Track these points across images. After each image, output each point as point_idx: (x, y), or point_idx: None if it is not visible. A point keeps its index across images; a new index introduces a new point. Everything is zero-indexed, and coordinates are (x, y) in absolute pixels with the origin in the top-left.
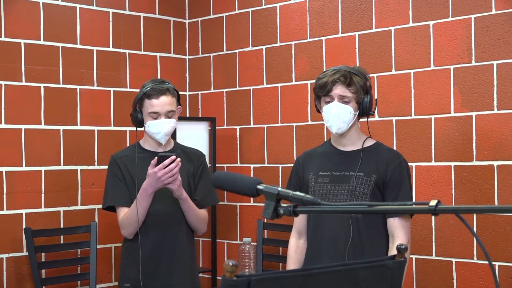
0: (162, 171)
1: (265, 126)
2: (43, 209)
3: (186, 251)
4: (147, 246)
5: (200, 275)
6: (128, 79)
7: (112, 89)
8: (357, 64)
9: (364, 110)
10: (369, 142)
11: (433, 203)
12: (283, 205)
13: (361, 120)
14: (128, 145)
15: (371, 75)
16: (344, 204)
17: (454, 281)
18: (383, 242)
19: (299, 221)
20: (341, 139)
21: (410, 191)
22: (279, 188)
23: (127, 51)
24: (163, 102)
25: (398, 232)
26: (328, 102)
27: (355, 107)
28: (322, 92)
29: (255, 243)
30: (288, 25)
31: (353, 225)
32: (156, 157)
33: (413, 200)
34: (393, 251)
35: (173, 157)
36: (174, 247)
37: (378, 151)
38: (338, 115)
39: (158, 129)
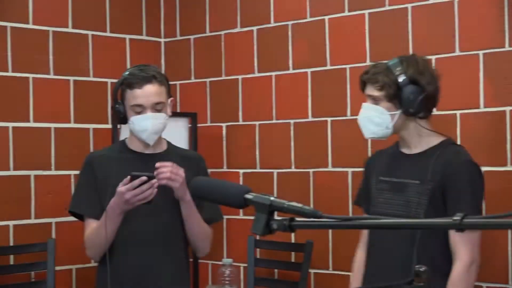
0: (130, 193)
1: (257, 123)
2: None
3: (176, 279)
4: (124, 270)
5: None
6: (91, 66)
7: (71, 78)
8: (367, 49)
9: (406, 107)
10: (435, 142)
11: (458, 216)
12: (277, 218)
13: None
14: (91, 145)
15: (383, 62)
16: (349, 218)
17: None
18: (444, 260)
19: (366, 231)
20: (402, 140)
21: (473, 199)
22: (272, 198)
23: (89, 33)
24: (148, 92)
25: (460, 249)
26: None
27: (390, 106)
28: (363, 91)
29: (242, 264)
30: (284, 1)
31: (410, 238)
32: (128, 176)
33: (481, 210)
34: (454, 272)
35: (145, 178)
36: (159, 274)
37: (441, 152)
38: (366, 118)
39: (143, 125)
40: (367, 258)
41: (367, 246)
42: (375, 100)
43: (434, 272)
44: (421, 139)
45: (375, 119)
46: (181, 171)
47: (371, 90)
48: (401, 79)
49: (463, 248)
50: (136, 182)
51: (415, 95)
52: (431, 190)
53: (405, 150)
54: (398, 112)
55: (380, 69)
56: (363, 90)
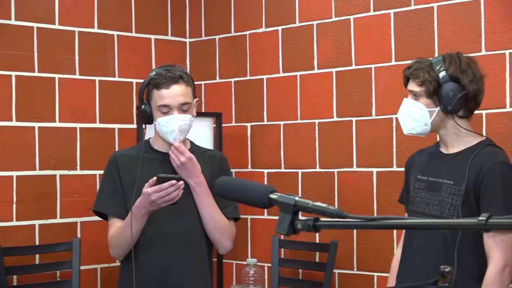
0: (157, 194)
1: (282, 123)
2: (14, 223)
3: (199, 279)
4: (148, 270)
5: None
6: (116, 66)
7: (97, 78)
8: (393, 48)
9: (444, 105)
10: (472, 142)
11: (483, 217)
12: (301, 218)
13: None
14: (117, 145)
15: (407, 62)
16: (374, 218)
17: None
18: (477, 263)
19: (404, 232)
20: (440, 139)
21: (506, 201)
22: (297, 198)
23: (115, 33)
24: (175, 93)
25: (493, 252)
26: None
27: (429, 103)
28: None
29: (266, 264)
30: (309, 1)
31: (442, 239)
32: (155, 177)
33: None
34: (487, 276)
35: (174, 181)
36: (183, 273)
37: (477, 154)
38: (405, 113)
39: (170, 126)
40: (401, 259)
41: (404, 241)
42: (415, 96)
43: (467, 276)
44: (458, 139)
45: (414, 114)
46: (182, 156)
47: (412, 85)
48: (441, 76)
49: (496, 251)
50: (165, 185)
51: (455, 93)
52: (465, 192)
53: (443, 150)
54: (437, 109)
55: (423, 65)
56: (405, 86)
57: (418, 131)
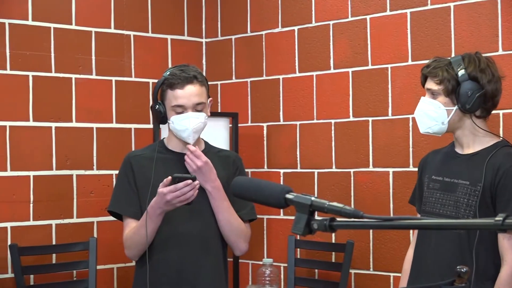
0: (172, 194)
1: (298, 123)
2: (31, 222)
3: (214, 279)
4: (163, 270)
5: None
6: (133, 66)
7: (113, 78)
8: (409, 48)
9: (462, 104)
10: (489, 143)
11: (500, 217)
12: (317, 218)
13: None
14: (133, 145)
15: (423, 61)
16: (390, 218)
17: None
18: (492, 264)
19: (416, 232)
20: (456, 140)
21: None
22: (313, 198)
23: (131, 33)
24: (190, 93)
25: (507, 253)
26: None
27: (447, 101)
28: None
29: (282, 264)
30: (325, 1)
31: (457, 239)
32: (169, 176)
33: None
34: (500, 277)
35: (189, 181)
36: (198, 273)
37: (493, 154)
38: (422, 112)
39: (184, 125)
40: (414, 259)
41: (417, 241)
42: (433, 94)
43: (482, 277)
44: (475, 139)
45: (431, 113)
46: (198, 160)
47: (430, 84)
48: (460, 74)
49: (510, 252)
50: (180, 185)
51: (473, 92)
52: (481, 192)
53: (459, 150)
54: (455, 108)
55: (441, 63)
56: (423, 85)
57: (435, 130)
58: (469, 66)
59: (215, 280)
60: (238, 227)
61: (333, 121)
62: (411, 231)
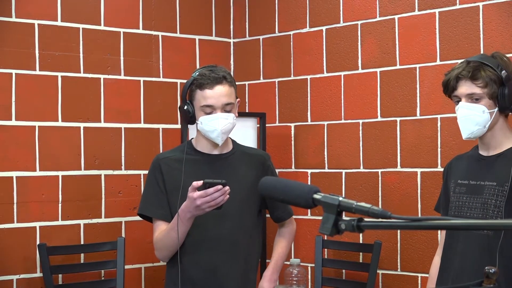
0: (202, 199)
1: (325, 123)
2: (60, 222)
3: (244, 282)
4: (194, 272)
5: None
6: (161, 67)
7: (142, 78)
8: (438, 48)
9: (504, 105)
10: None
11: None
12: (345, 218)
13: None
14: (161, 145)
15: (452, 61)
16: (418, 219)
17: None
18: None
19: (444, 237)
20: (483, 142)
21: None
22: (340, 198)
23: (160, 34)
24: (219, 93)
25: None
26: (458, 103)
27: (490, 104)
28: (446, 92)
29: (310, 264)
30: (353, 1)
31: (486, 241)
32: (200, 181)
33: None
34: None
35: (220, 186)
36: (227, 276)
37: None
38: (466, 118)
39: (213, 125)
40: (442, 263)
41: (444, 246)
42: (474, 99)
43: (509, 278)
44: (503, 140)
45: (475, 118)
46: None
47: (471, 88)
48: (504, 75)
49: None
50: (211, 190)
51: (510, 92)
52: (508, 192)
53: (483, 152)
54: (495, 109)
55: (479, 65)
56: (452, 90)
57: (477, 134)
58: (508, 66)
59: (245, 282)
60: (290, 246)
61: (361, 121)
62: (439, 232)
